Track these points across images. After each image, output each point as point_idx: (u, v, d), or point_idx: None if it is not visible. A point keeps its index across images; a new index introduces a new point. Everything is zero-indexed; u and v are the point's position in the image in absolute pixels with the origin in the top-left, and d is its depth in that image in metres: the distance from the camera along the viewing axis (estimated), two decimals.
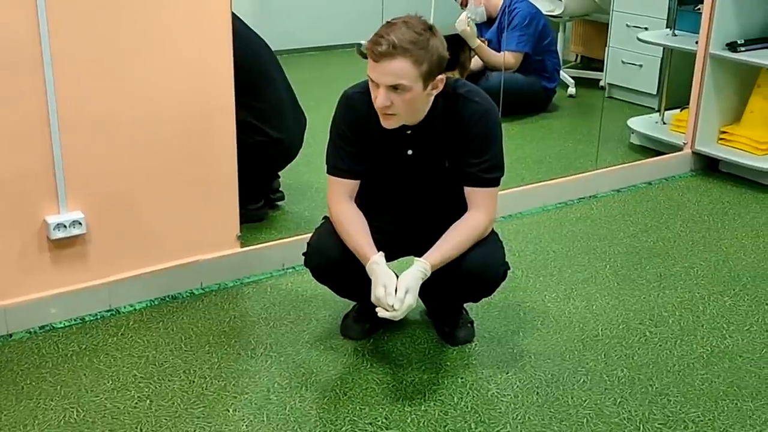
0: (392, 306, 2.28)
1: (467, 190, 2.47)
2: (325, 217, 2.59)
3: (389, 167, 2.52)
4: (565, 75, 5.29)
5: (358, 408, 2.36)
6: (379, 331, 2.71)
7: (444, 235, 2.42)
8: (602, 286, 3.07)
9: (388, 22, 2.32)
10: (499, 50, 4.81)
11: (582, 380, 2.50)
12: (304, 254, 2.57)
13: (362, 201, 2.53)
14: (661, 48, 4.65)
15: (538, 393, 2.44)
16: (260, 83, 3.31)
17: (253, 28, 3.34)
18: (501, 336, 2.73)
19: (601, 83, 5.21)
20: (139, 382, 2.45)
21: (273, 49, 3.45)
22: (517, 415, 2.35)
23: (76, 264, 2.75)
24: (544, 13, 5.03)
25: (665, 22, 4.74)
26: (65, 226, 2.66)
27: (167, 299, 2.91)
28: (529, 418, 2.33)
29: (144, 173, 2.79)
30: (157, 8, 2.66)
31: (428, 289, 2.45)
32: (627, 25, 4.97)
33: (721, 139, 4.21)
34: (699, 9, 4.16)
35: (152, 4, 2.65)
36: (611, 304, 2.95)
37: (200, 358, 2.58)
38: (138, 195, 2.80)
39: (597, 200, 3.88)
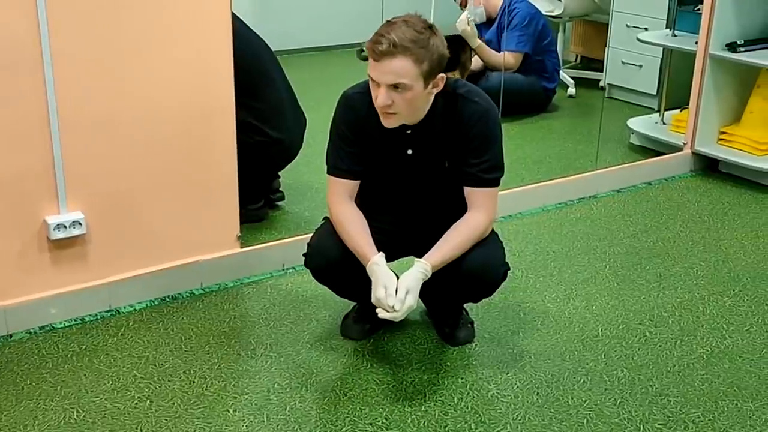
0: (393, 307, 2.28)
1: (467, 190, 2.47)
2: (326, 218, 2.59)
3: (389, 167, 2.52)
4: (564, 75, 5.29)
5: (358, 408, 2.36)
6: (379, 331, 2.71)
7: (444, 236, 2.42)
8: (602, 287, 3.07)
9: (387, 21, 2.32)
10: (498, 50, 4.81)
11: (582, 380, 2.50)
12: (304, 255, 2.57)
13: (362, 201, 2.53)
14: (661, 48, 4.65)
15: (538, 393, 2.44)
16: (260, 83, 3.31)
17: (253, 28, 3.33)
18: (501, 336, 2.73)
19: (601, 83, 5.21)
20: (140, 383, 2.45)
21: (273, 49, 3.45)
22: (517, 415, 2.35)
23: (76, 264, 2.75)
24: (544, 13, 5.03)
25: (665, 22, 4.74)
26: (65, 227, 2.66)
27: (167, 299, 2.91)
28: (529, 418, 2.33)
29: (144, 173, 2.79)
30: (157, 8, 2.66)
31: (428, 289, 2.45)
32: (627, 26, 4.97)
33: (721, 139, 4.21)
34: (699, 9, 4.16)
35: (152, 4, 2.65)
36: (611, 305, 2.95)
37: (200, 358, 2.58)
38: (138, 195, 2.80)
39: (597, 200, 3.88)
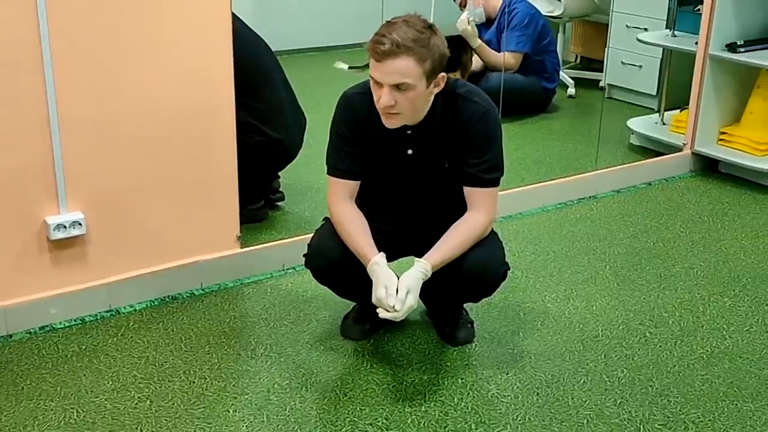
0: (393, 307, 2.28)
1: (467, 190, 2.47)
2: (326, 218, 2.59)
3: (389, 167, 2.52)
4: (564, 75, 5.29)
5: (358, 409, 2.36)
6: (379, 331, 2.71)
7: (444, 236, 2.42)
8: (602, 287, 3.07)
9: (387, 21, 2.33)
10: (498, 51, 4.81)
11: (582, 381, 2.50)
12: (304, 255, 2.57)
13: (362, 201, 2.53)
14: (661, 49, 4.65)
15: (538, 394, 2.44)
16: (260, 83, 3.31)
17: (253, 28, 3.33)
18: (501, 336, 2.73)
19: (601, 84, 5.21)
20: (139, 383, 2.45)
21: (273, 49, 3.45)
22: (517, 415, 2.35)
23: (76, 264, 2.75)
24: (544, 13, 5.03)
25: (665, 22, 4.73)
26: (65, 227, 2.66)
27: (167, 300, 2.91)
28: (529, 418, 2.33)
29: (144, 173, 2.79)
30: (157, 9, 2.66)
31: (429, 289, 2.45)
32: (627, 26, 4.97)
33: (721, 139, 4.21)
34: (699, 10, 4.16)
35: (152, 4, 2.65)
36: (611, 305, 2.95)
37: (200, 358, 2.58)
38: (138, 195, 2.80)
39: (597, 201, 3.88)
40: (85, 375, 2.49)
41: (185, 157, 2.85)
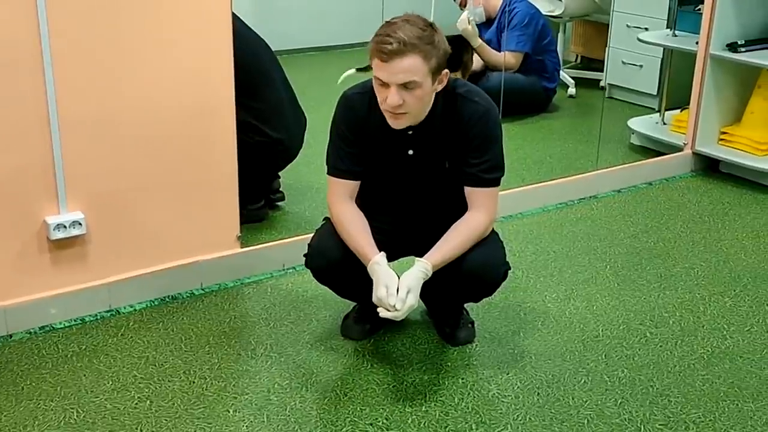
0: (394, 306, 2.28)
1: (467, 190, 2.47)
2: (326, 218, 2.59)
3: (390, 167, 2.52)
4: (565, 75, 5.28)
5: (358, 409, 2.36)
6: (379, 331, 2.71)
7: (444, 236, 2.42)
8: (603, 287, 3.07)
9: (387, 22, 2.33)
10: (498, 51, 4.81)
11: (583, 381, 2.50)
12: (304, 255, 2.56)
13: (363, 201, 2.53)
14: (662, 48, 4.65)
15: (538, 394, 2.44)
16: (260, 83, 3.30)
17: (253, 28, 3.33)
18: (501, 336, 2.73)
19: (602, 84, 5.21)
20: (139, 383, 2.45)
21: (273, 49, 3.45)
22: (517, 415, 2.34)
23: (76, 264, 2.75)
24: (544, 13, 5.03)
25: (665, 22, 4.73)
26: (65, 227, 2.65)
27: (167, 300, 2.91)
28: (530, 418, 2.33)
29: (144, 173, 2.78)
30: (157, 9, 2.66)
31: (429, 289, 2.44)
32: (627, 26, 4.96)
33: (722, 139, 4.21)
34: (699, 9, 4.16)
35: (152, 4, 2.65)
36: (612, 305, 2.94)
37: (200, 358, 2.58)
38: (138, 195, 2.80)
39: (597, 201, 3.88)
40: (85, 375, 2.49)
41: (185, 157, 2.85)
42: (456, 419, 2.32)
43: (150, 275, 2.88)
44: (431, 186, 2.54)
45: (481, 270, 2.44)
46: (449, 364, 2.58)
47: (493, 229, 2.53)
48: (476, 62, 4.67)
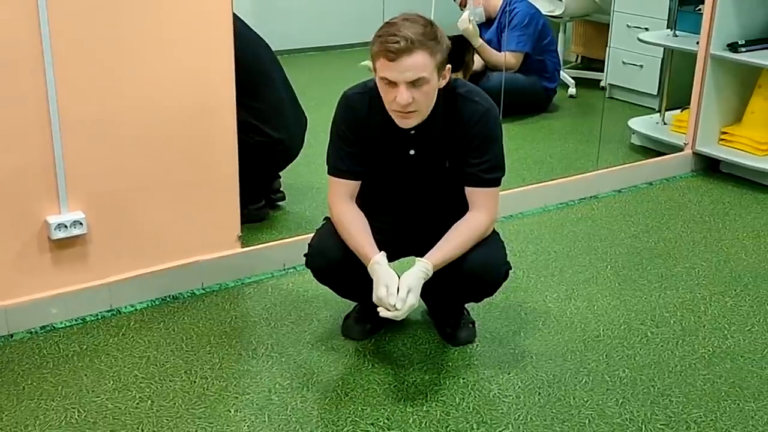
0: (394, 306, 2.28)
1: (468, 190, 2.47)
2: (326, 218, 2.59)
3: (391, 167, 2.52)
4: (565, 75, 5.28)
5: (359, 408, 2.36)
6: (380, 331, 2.71)
7: (445, 236, 2.42)
8: (603, 287, 3.07)
9: (387, 22, 2.33)
10: (499, 51, 4.81)
11: (584, 381, 2.50)
12: (305, 255, 2.56)
13: (363, 201, 2.53)
14: (662, 48, 4.65)
15: (539, 393, 2.44)
16: (260, 83, 3.31)
17: (253, 28, 3.33)
18: (502, 336, 2.73)
19: (602, 84, 5.21)
20: (141, 383, 2.45)
21: (273, 49, 3.45)
22: (518, 415, 2.34)
23: (77, 264, 2.75)
24: (545, 13, 5.03)
25: (666, 22, 4.74)
26: (66, 227, 2.65)
27: (168, 299, 2.91)
28: (530, 418, 2.33)
29: (145, 173, 2.78)
30: (157, 8, 2.66)
31: (430, 289, 2.44)
32: (627, 26, 4.96)
33: (722, 139, 4.21)
34: (700, 9, 4.16)
35: (153, 4, 2.65)
36: (612, 305, 2.94)
37: (201, 358, 2.58)
38: (139, 195, 2.80)
39: (598, 201, 3.88)
40: (86, 375, 2.49)
41: (186, 157, 2.85)
42: (457, 419, 2.32)
43: (151, 275, 2.88)
44: (432, 186, 2.54)
45: (482, 270, 2.44)
46: (450, 364, 2.58)
47: (494, 229, 2.53)
48: (476, 62, 4.67)
